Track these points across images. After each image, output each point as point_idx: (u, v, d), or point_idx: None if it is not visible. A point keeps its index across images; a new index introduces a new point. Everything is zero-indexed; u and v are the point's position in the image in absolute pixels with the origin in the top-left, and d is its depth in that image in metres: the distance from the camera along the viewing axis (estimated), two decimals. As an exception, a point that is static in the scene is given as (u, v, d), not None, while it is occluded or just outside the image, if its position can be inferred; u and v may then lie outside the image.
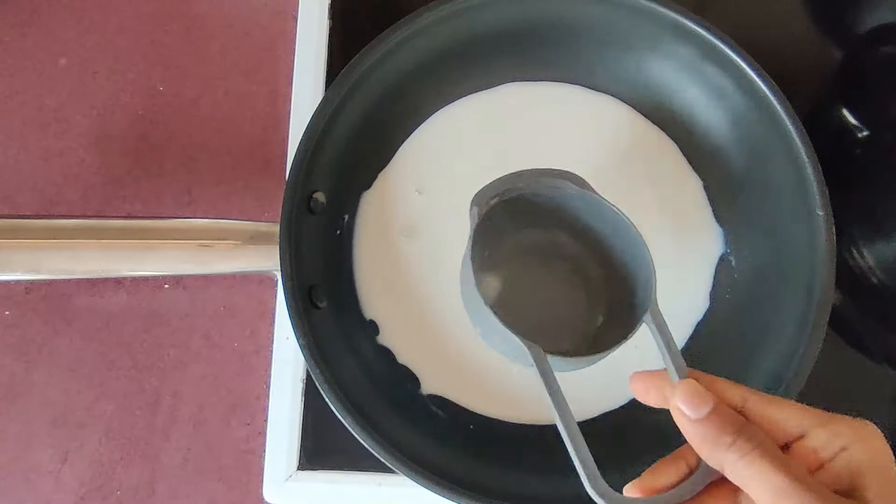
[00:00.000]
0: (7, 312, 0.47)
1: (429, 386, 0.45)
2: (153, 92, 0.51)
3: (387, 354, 0.45)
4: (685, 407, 0.30)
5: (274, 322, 0.47)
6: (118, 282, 0.48)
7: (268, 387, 0.46)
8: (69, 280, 0.48)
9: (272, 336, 0.47)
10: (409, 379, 0.45)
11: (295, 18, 0.51)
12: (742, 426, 0.29)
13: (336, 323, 0.44)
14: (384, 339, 0.45)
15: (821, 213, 0.41)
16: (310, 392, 0.45)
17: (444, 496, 0.38)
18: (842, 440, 0.29)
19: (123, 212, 0.48)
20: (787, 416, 0.30)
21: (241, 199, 0.49)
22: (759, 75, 0.42)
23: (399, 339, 0.45)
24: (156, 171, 0.49)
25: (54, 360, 0.47)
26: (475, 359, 0.45)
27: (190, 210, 0.48)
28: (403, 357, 0.45)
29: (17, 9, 0.52)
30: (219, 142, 0.50)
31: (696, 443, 0.30)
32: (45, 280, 0.47)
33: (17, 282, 0.47)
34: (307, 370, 0.45)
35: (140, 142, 0.50)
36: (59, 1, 0.52)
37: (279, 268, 0.40)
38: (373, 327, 0.45)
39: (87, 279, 0.48)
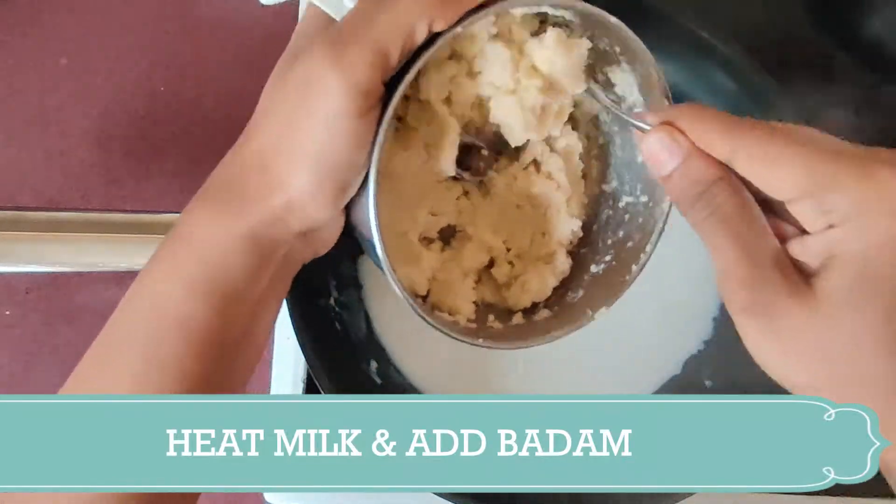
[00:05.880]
0: (7, 312, 0.47)
1: (422, 384, 0.45)
2: (154, 92, 0.51)
3: (387, 353, 0.45)
4: (649, 163, 0.28)
5: (274, 322, 0.47)
6: (118, 281, 0.48)
7: (268, 387, 0.46)
8: (69, 279, 0.48)
9: (272, 336, 0.47)
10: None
11: (295, 18, 0.51)
12: (706, 187, 0.26)
13: (338, 322, 0.44)
14: (384, 338, 0.45)
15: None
16: (310, 392, 0.45)
17: (444, 497, 0.38)
18: (832, 216, 0.24)
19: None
20: (782, 176, 0.25)
21: (241, 199, 0.49)
22: (757, 75, 0.42)
23: (397, 338, 0.45)
24: (157, 172, 0.49)
25: (54, 360, 0.47)
26: (472, 358, 0.45)
27: (191, 210, 0.48)
28: (398, 359, 0.45)
29: (17, 9, 0.52)
30: (220, 142, 0.49)
31: (671, 197, 0.28)
32: (45, 272, 0.47)
33: (19, 274, 0.47)
34: (307, 370, 0.45)
35: (141, 142, 0.50)
36: (60, 1, 0.52)
37: (279, 266, 0.39)
38: (375, 327, 0.45)
39: (88, 278, 0.48)
